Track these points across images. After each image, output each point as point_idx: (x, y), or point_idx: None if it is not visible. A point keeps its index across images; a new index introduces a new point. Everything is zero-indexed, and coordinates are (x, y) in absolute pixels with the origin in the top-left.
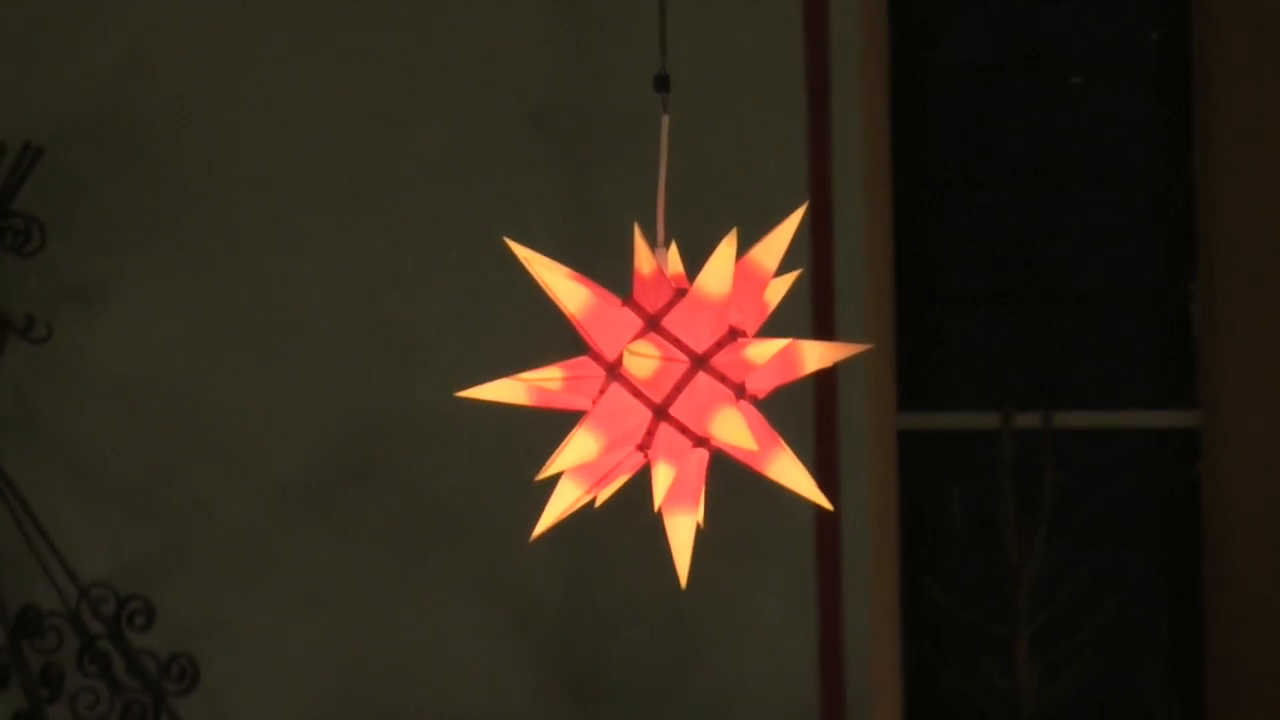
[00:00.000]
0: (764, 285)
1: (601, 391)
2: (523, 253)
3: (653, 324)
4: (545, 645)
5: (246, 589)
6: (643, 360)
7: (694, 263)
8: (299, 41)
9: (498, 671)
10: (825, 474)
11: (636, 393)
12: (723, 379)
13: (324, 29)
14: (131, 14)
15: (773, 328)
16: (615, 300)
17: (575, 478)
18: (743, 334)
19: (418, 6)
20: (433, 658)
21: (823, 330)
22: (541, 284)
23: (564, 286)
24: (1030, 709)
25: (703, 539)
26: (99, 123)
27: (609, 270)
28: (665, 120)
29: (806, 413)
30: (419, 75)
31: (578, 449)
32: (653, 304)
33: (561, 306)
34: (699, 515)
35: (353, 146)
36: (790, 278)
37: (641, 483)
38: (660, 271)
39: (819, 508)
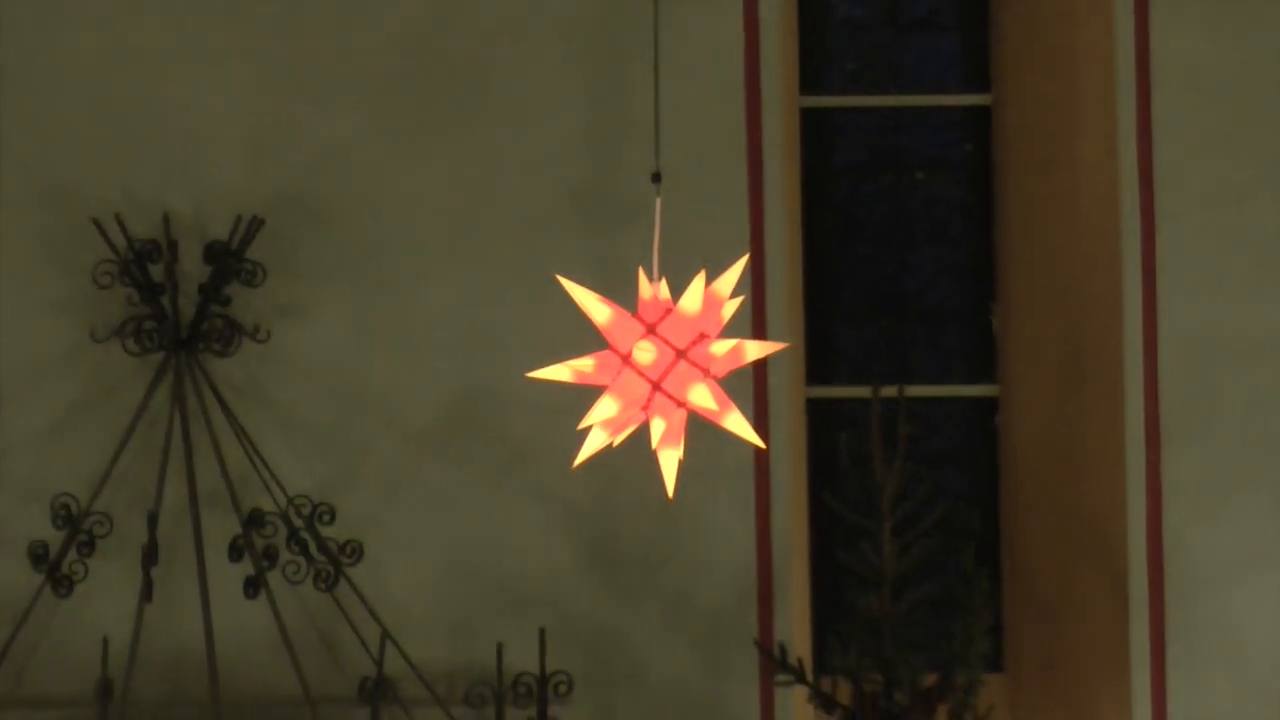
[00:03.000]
0: (721, 305)
1: (618, 373)
2: (568, 285)
3: (651, 330)
4: (579, 534)
5: (393, 498)
6: (644, 353)
7: (676, 290)
8: (420, 150)
9: (549, 550)
10: (760, 426)
11: (640, 374)
12: (695, 365)
13: (434, 137)
14: (311, 133)
15: (728, 333)
16: (627, 314)
17: (601, 428)
18: (708, 337)
19: (498, 123)
20: (509, 541)
21: (758, 334)
22: (580, 305)
23: (594, 306)
24: (890, 574)
25: (683, 467)
26: (298, 201)
27: (623, 296)
28: (658, 201)
29: (748, 387)
30: (499, 166)
31: (603, 409)
32: (651, 317)
33: (592, 319)
34: (680, 452)
35: (460, 215)
36: (738, 300)
37: (642, 432)
38: (656, 297)
39: (756, 447)
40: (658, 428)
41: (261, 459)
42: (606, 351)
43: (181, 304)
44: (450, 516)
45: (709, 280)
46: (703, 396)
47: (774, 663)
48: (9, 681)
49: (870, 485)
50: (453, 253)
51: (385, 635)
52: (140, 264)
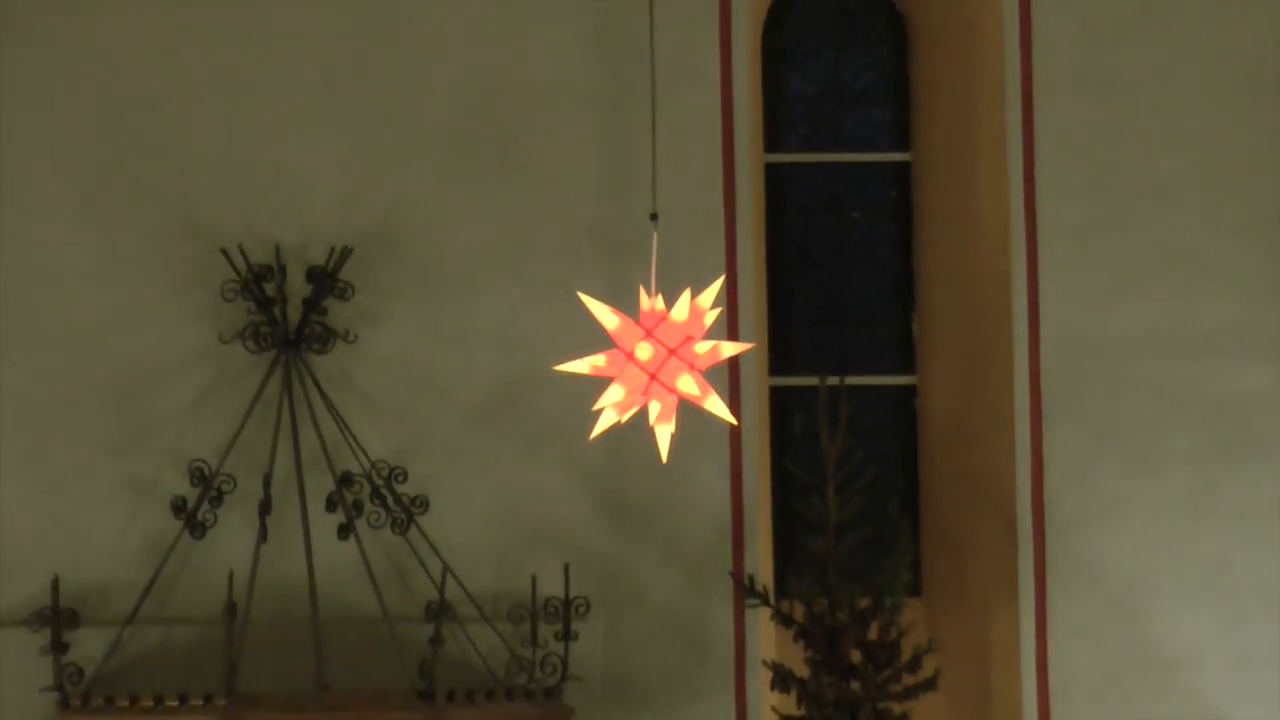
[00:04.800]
0: (703, 315)
1: (623, 367)
2: (586, 299)
3: (649, 334)
4: (595, 490)
5: (451, 462)
6: (644, 352)
7: (668, 303)
8: (473, 195)
9: (572, 503)
10: (733, 407)
11: (641, 368)
12: (683, 361)
13: (483, 185)
14: (389, 182)
15: (708, 336)
16: (631, 322)
17: (611, 408)
18: (693, 339)
19: (532, 173)
20: (541, 495)
21: (731, 336)
22: (594, 315)
23: (606, 315)
24: (833, 521)
25: (674, 439)
26: (379, 235)
27: (628, 307)
28: (655, 236)
29: (724, 377)
30: (533, 208)
31: (612, 394)
32: (649, 324)
33: (603, 326)
34: (672, 427)
35: (503, 244)
36: (716, 311)
37: (643, 412)
38: (653, 309)
39: (730, 423)
40: (654, 408)
41: (350, 432)
42: (615, 350)
43: (289, 314)
44: (495, 477)
45: (694, 295)
46: (689, 385)
47: (745, 590)
48: (156, 604)
49: (818, 453)
50: (497, 274)
51: (446, 569)
52: (258, 283)
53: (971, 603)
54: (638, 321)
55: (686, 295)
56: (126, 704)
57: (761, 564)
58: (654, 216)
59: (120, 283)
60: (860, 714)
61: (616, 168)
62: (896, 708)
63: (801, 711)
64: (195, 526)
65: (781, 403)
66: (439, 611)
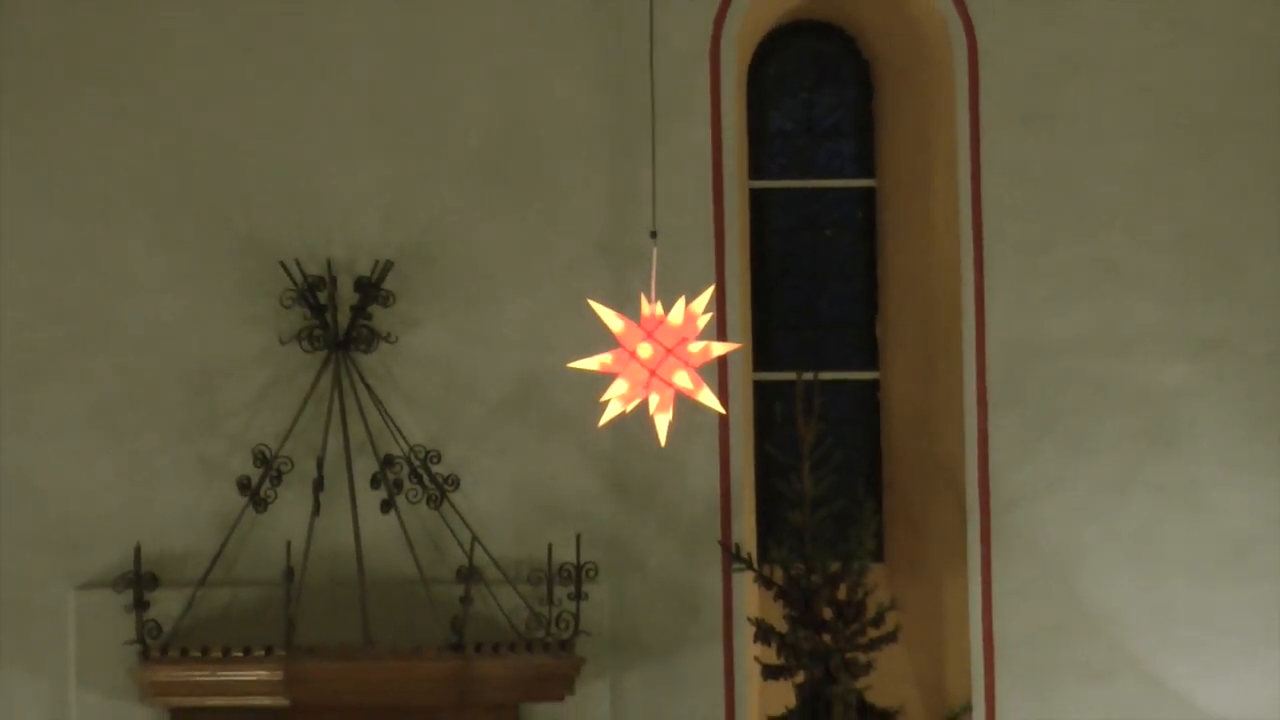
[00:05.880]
0: (696, 319)
1: (627, 364)
2: (595, 306)
3: (649, 335)
4: (603, 471)
5: (479, 447)
6: (645, 351)
7: (666, 309)
8: (497, 214)
9: (583, 482)
10: (722, 398)
11: (642, 365)
12: (679, 359)
13: (507, 206)
14: (424, 203)
15: (701, 337)
16: (634, 325)
17: (617, 400)
18: (687, 340)
19: (549, 196)
20: (557, 475)
21: (721, 337)
22: (601, 319)
23: (612, 319)
24: (808, 497)
25: (671, 426)
26: (416, 249)
27: (631, 313)
28: (654, 251)
29: (714, 373)
30: (549, 225)
31: (617, 388)
32: (649, 327)
33: (610, 329)
34: (669, 416)
35: (523, 258)
36: (708, 316)
37: (645, 403)
38: (653, 314)
39: (719, 413)
40: (654, 400)
41: (391, 421)
42: (620, 350)
43: (339, 319)
44: (517, 458)
45: (688, 302)
46: (684, 379)
47: (732, 556)
48: (225, 569)
49: (795, 439)
50: (518, 284)
51: (474, 538)
52: (312, 292)
53: (927, 567)
54: (639, 325)
55: (681, 302)
56: (199, 655)
57: (746, 534)
58: (654, 234)
59: (193, 292)
60: (831, 662)
61: (621, 192)
62: (862, 657)
63: (781, 660)
64: (258, 502)
65: (764, 395)
66: (468, 575)
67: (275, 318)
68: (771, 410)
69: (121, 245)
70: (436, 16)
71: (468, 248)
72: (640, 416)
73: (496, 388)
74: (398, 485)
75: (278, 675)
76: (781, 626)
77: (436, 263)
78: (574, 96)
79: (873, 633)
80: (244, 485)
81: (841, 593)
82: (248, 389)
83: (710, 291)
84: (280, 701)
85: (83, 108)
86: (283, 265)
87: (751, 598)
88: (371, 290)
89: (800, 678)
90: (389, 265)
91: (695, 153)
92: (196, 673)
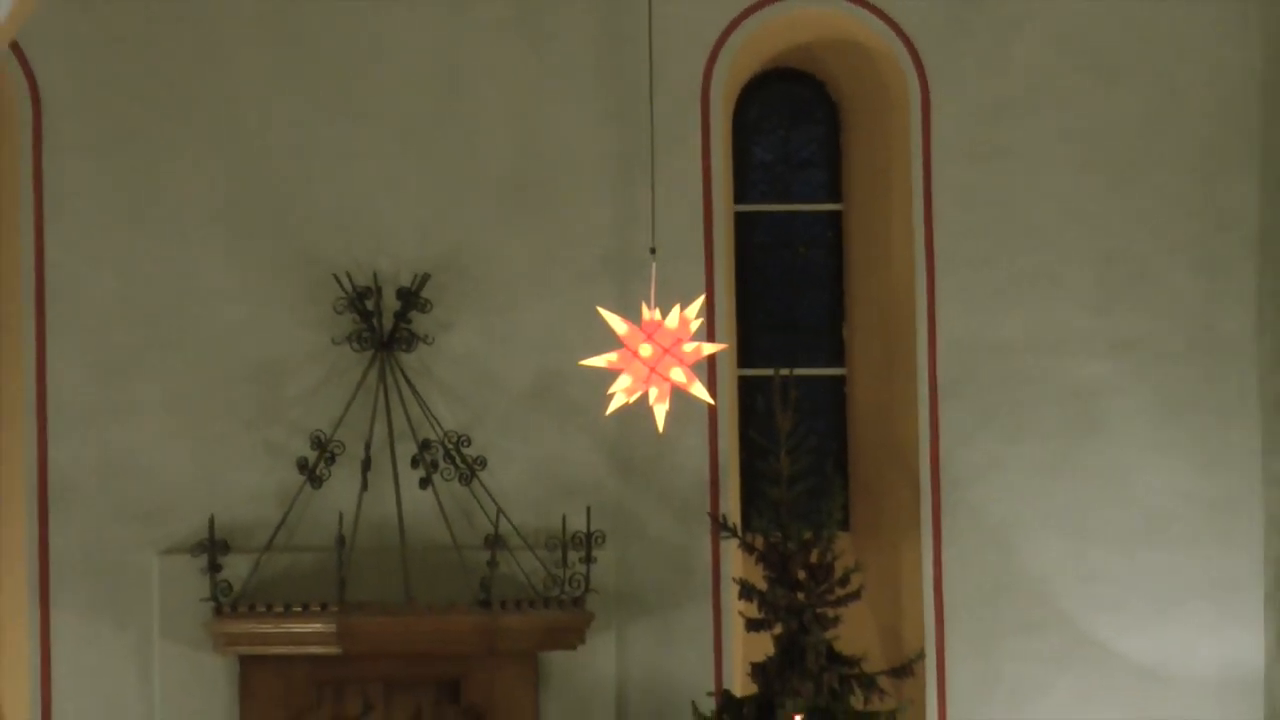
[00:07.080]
0: (689, 323)
1: (630, 362)
2: (603, 311)
3: (649, 337)
4: (610, 453)
5: (504, 432)
6: (646, 350)
7: (664, 314)
8: (519, 232)
9: (593, 462)
10: (712, 391)
11: (643, 362)
12: (675, 357)
13: (527, 224)
14: (455, 221)
15: (693, 339)
16: (635, 328)
17: (622, 393)
18: (682, 340)
19: (562, 216)
20: (570, 457)
21: (710, 339)
22: (608, 323)
23: (617, 323)
24: (785, 475)
25: (668, 415)
26: (450, 262)
27: (634, 317)
28: (654, 265)
29: (705, 369)
30: (564, 241)
31: (622, 382)
32: (649, 330)
33: (614, 331)
34: (667, 406)
35: (542, 270)
36: (700, 320)
37: (645, 395)
38: (652, 318)
39: (709, 404)
40: (654, 392)
41: (428, 410)
42: (624, 349)
43: (383, 323)
44: (535, 442)
45: (682, 309)
46: (679, 375)
47: (719, 526)
48: (286, 536)
49: (774, 426)
50: (537, 292)
51: (499, 510)
52: (360, 300)
53: (886, 536)
54: (641, 328)
55: (677, 309)
56: (264, 610)
57: (732, 507)
58: (653, 250)
59: (258, 300)
60: (804, 616)
61: (624, 214)
62: (831, 612)
63: (761, 615)
64: (314, 479)
65: (747, 388)
66: (494, 542)
67: (329, 322)
68: (754, 401)
69: (197, 260)
70: (467, 64)
71: (493, 261)
72: (642, 406)
73: (518, 382)
74: (434, 465)
75: (331, 628)
76: (762, 586)
77: (467, 274)
78: (584, 132)
79: (840, 591)
80: (302, 465)
81: (813, 557)
82: (305, 383)
83: (701, 299)
84: (333, 650)
85: (164, 143)
86: (335, 277)
87: (736, 561)
88: (411, 298)
89: (778, 630)
90: (426, 277)
91: (688, 180)
92: (262, 625)
